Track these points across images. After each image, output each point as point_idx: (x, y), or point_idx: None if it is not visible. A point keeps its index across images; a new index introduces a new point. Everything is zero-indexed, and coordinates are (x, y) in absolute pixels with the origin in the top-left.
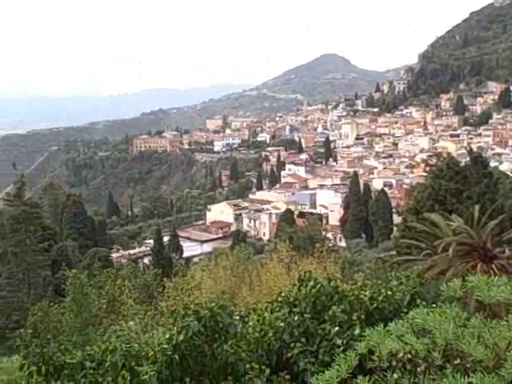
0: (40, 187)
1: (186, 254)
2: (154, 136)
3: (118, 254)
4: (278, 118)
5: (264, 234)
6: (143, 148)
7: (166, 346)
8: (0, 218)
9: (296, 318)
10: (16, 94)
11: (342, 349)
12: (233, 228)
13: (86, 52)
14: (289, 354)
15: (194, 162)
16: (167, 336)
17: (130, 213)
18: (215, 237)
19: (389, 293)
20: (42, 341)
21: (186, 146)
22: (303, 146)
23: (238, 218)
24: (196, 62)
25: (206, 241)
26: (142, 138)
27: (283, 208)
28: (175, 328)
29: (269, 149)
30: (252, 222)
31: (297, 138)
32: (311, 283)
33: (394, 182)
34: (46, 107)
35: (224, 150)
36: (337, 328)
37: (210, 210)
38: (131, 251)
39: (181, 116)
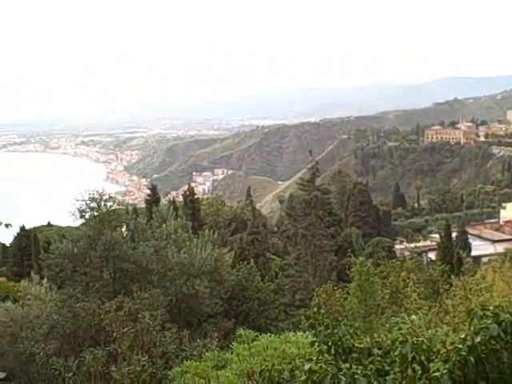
0: (328, 174)
1: (474, 253)
2: (446, 127)
3: (400, 246)
4: None
5: None
6: (435, 139)
7: (460, 346)
8: (293, 201)
9: None
10: (310, 85)
11: None
12: None
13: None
14: None
15: (490, 156)
16: (462, 336)
17: (416, 205)
18: (510, 237)
19: None
20: (331, 322)
21: (482, 139)
22: None
23: None
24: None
25: (499, 241)
26: (433, 128)
27: None
28: (471, 329)
29: None
30: None
31: None
32: None
33: None
34: (341, 97)
35: None
36: None
37: (504, 208)
38: (415, 244)
39: (478, 106)
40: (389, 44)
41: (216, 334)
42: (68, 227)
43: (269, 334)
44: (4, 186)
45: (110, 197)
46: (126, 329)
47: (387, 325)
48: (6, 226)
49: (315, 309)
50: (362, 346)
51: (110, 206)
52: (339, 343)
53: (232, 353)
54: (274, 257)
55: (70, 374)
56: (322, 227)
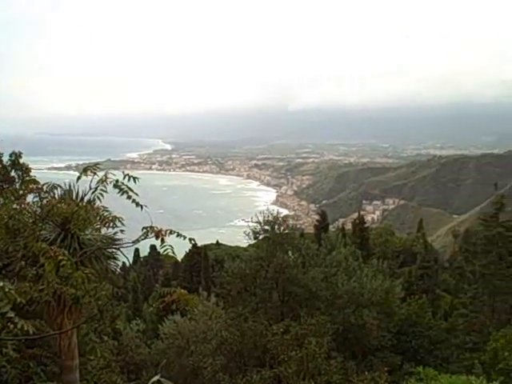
0: (510, 210)
1: None
2: None
3: None
4: None
5: None
6: None
7: None
8: (470, 236)
9: None
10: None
11: None
12: None
13: None
14: None
15: None
16: None
17: None
18: None
19: None
20: None
21: None
22: None
23: None
24: None
25: None
26: None
27: None
28: None
29: None
30: None
31: None
32: None
33: None
34: None
35: None
36: None
37: None
38: None
39: None
40: None
41: (386, 369)
42: (236, 247)
43: (449, 375)
44: (177, 202)
45: (284, 220)
46: (293, 353)
47: None
48: (190, 240)
49: (492, 354)
50: None
51: (283, 230)
52: None
53: None
54: (444, 294)
55: None
56: (504, 267)
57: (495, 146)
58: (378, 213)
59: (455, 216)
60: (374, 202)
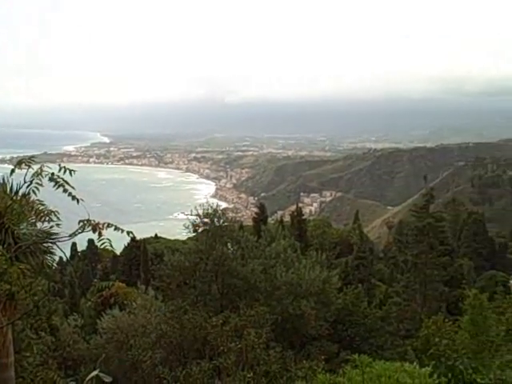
0: (442, 202)
1: None
2: None
3: None
4: None
5: None
6: None
7: None
8: (403, 227)
9: None
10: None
11: None
12: None
13: None
14: None
15: None
16: None
17: None
18: None
19: None
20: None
21: None
22: None
23: None
24: None
25: None
26: None
27: None
28: None
29: None
30: None
31: None
32: None
33: None
34: (458, 121)
35: None
36: None
37: None
38: None
39: None
40: None
41: (323, 357)
42: (175, 240)
43: (383, 361)
44: (116, 195)
45: (223, 213)
46: (232, 344)
47: (497, 362)
48: (128, 233)
49: (424, 340)
50: (483, 381)
51: (223, 222)
52: (460, 376)
53: (343, 377)
54: (379, 283)
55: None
56: (434, 256)
57: (426, 140)
58: (315, 205)
59: (389, 207)
60: (312, 195)
